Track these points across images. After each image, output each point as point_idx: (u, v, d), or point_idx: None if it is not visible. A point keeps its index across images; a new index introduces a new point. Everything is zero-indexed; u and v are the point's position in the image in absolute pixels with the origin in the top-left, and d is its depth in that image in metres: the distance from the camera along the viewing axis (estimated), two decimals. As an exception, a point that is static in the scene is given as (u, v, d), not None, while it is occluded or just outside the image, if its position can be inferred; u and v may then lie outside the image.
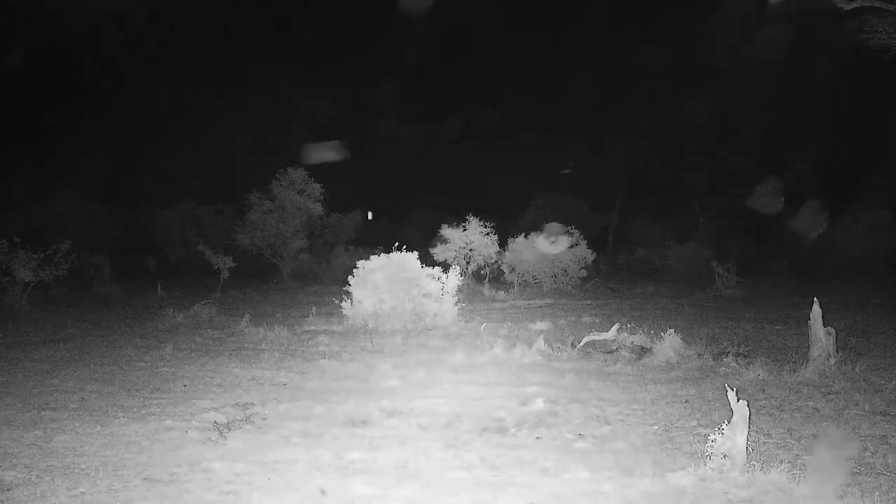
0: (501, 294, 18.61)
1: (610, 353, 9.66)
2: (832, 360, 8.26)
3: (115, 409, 7.00)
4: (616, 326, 10.40)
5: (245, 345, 10.86)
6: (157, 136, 32.49)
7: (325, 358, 9.64)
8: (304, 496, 4.65)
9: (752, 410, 5.37)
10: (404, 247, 13.46)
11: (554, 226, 20.64)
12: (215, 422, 6.46)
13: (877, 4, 11.67)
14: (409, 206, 33.05)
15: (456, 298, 13.37)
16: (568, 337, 10.77)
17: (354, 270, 13.21)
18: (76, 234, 19.40)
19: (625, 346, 9.75)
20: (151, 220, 28.89)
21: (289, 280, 23.17)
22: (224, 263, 19.90)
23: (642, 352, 9.50)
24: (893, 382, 7.63)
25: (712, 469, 4.80)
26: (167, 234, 28.26)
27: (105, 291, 19.03)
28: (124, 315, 14.57)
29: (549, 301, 17.19)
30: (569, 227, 20.77)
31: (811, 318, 8.43)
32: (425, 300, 12.87)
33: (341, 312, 13.00)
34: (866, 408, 6.77)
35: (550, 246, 19.79)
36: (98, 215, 28.47)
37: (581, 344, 10.02)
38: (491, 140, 36.77)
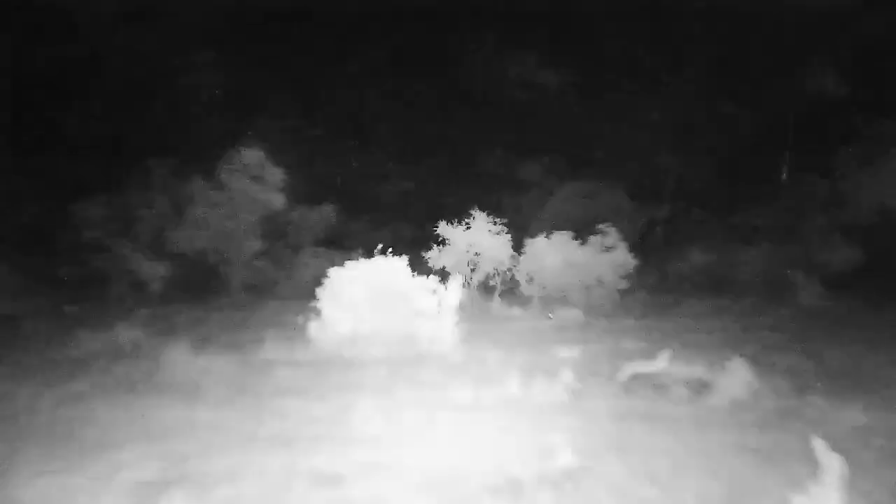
0: (517, 311, 18.62)
1: (659, 388, 9.69)
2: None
3: (12, 464, 6.95)
4: (667, 354, 10.41)
5: (181, 378, 10.85)
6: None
7: (286, 396, 9.62)
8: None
9: (848, 465, 5.34)
10: (390, 250, 13.45)
11: None
12: (141, 481, 6.42)
13: None
14: (395, 196, 32.97)
15: (457, 317, 13.38)
16: (603, 368, 10.77)
17: (325, 280, 13.22)
18: None
19: (678, 380, 9.77)
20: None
21: (240, 293, 23.14)
22: (154, 271, 19.89)
23: (701, 387, 9.53)
24: None
25: (795, 543, 4.78)
26: (80, 233, 28.13)
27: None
28: (22, 338, 14.51)
29: (578, 321, 17.20)
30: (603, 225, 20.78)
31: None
32: (418, 320, 12.88)
33: (307, 336, 12.99)
34: None
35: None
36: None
37: (622, 378, 10.00)
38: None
